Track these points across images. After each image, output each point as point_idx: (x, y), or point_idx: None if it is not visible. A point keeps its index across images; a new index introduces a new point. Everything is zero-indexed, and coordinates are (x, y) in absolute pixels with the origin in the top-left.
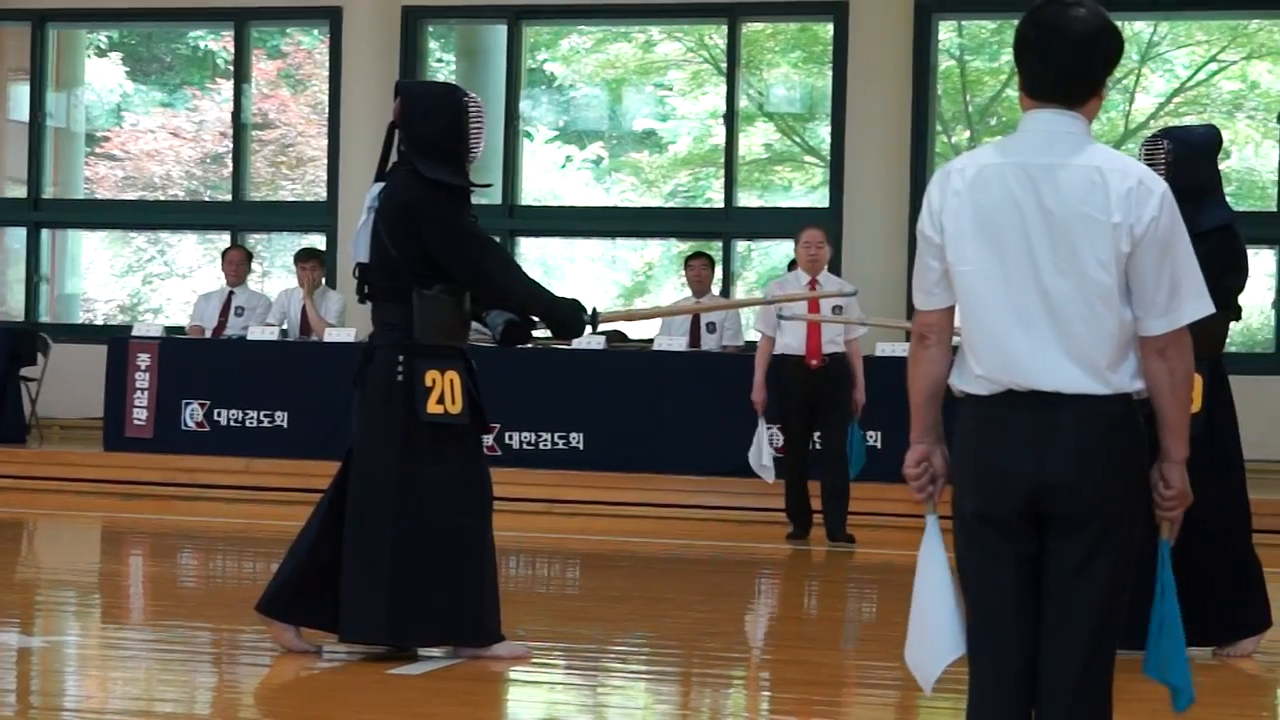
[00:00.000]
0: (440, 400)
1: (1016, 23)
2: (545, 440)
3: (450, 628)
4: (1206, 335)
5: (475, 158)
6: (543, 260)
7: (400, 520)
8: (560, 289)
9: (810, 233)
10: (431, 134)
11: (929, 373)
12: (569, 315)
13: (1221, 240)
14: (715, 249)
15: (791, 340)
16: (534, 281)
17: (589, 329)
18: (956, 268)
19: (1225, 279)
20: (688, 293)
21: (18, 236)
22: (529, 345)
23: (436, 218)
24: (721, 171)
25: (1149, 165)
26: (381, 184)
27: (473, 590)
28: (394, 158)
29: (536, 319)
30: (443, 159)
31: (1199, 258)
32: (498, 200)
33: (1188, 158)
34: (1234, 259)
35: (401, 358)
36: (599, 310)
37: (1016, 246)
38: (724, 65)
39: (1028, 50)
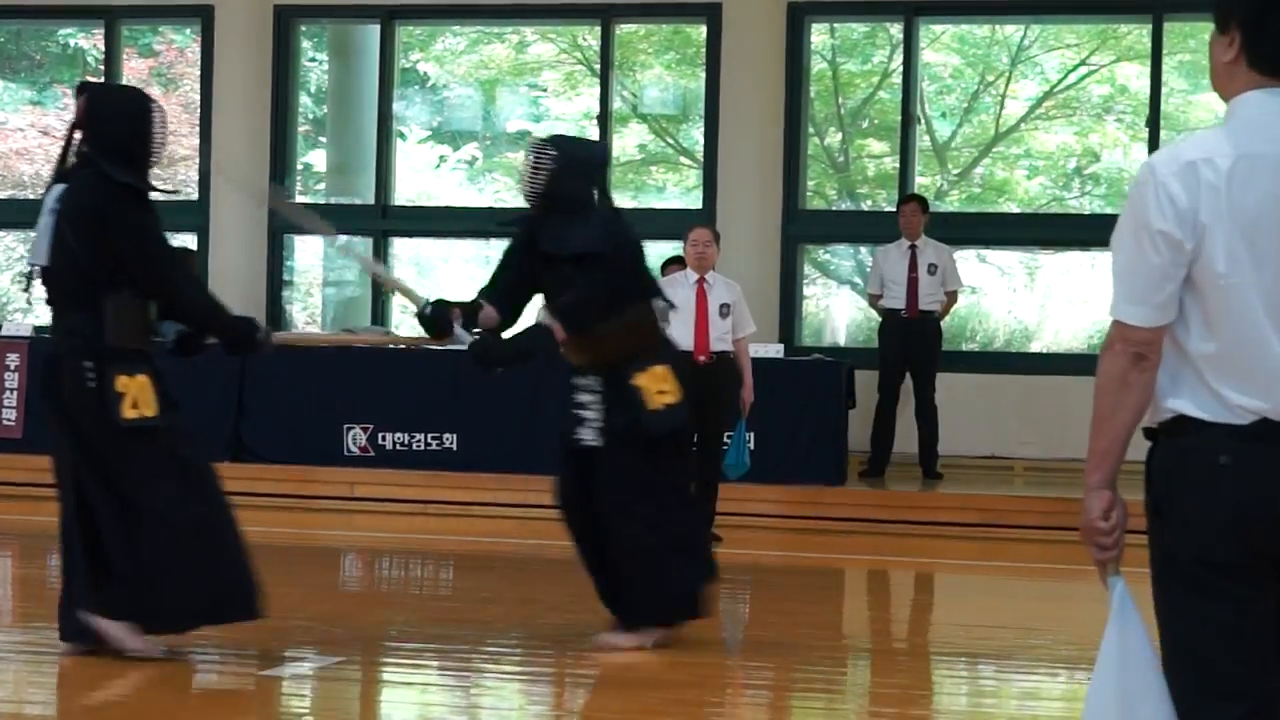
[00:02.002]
0: (135, 405)
1: (889, 26)
2: (419, 440)
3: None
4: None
5: (157, 163)
6: (416, 260)
7: (146, 517)
8: (432, 290)
9: (698, 231)
10: (117, 137)
11: (1140, 401)
12: (243, 334)
13: (594, 266)
14: None
15: (680, 336)
16: (214, 297)
17: (261, 348)
18: (1217, 276)
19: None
20: None
21: None
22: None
23: (129, 224)
24: None
25: (532, 172)
26: (61, 185)
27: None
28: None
29: (210, 332)
30: (128, 163)
31: (564, 277)
32: (370, 200)
33: (569, 171)
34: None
35: (90, 364)
36: (271, 331)
37: (1276, 251)
38: (597, 66)
39: (1272, 13)
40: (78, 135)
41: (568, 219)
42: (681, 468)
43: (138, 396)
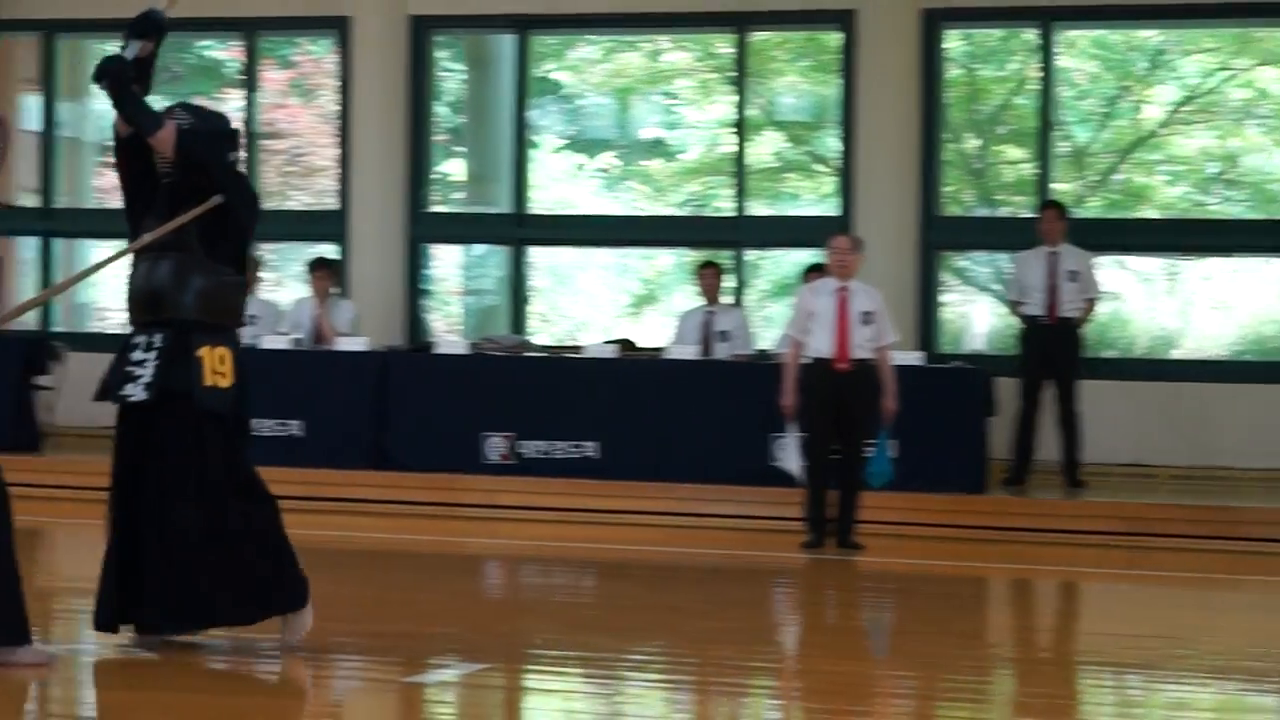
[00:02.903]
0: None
1: (1024, 32)
2: (559, 449)
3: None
4: None
5: None
6: (553, 269)
7: None
8: (571, 299)
9: (840, 239)
10: None
11: None
12: None
13: None
14: (726, 258)
15: (821, 344)
16: None
17: None
18: None
19: None
20: (701, 301)
21: (30, 246)
22: None
23: None
24: (731, 180)
25: None
26: None
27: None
28: None
29: None
30: None
31: None
32: (508, 209)
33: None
34: None
35: None
36: None
37: None
38: (732, 74)
39: None
40: None
41: None
42: None
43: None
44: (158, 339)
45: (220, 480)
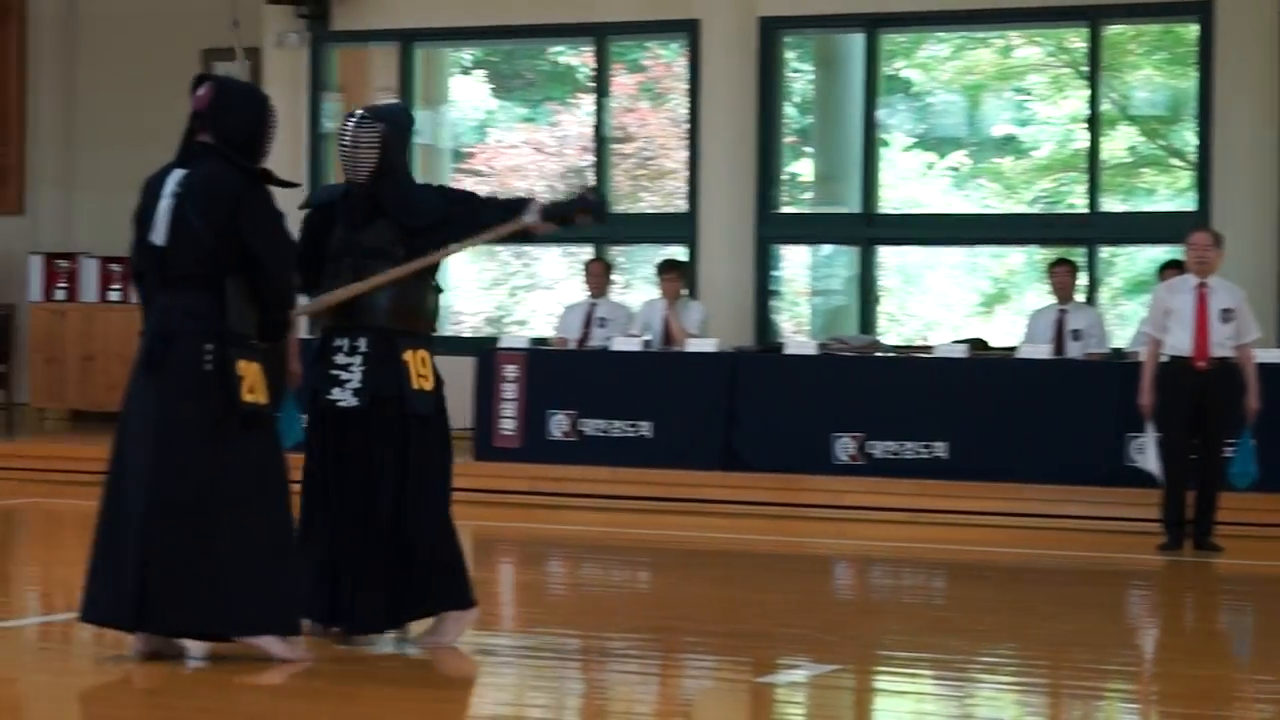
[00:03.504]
0: (252, 390)
1: None
2: (908, 450)
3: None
4: None
5: (261, 163)
6: (902, 269)
7: (224, 511)
8: (921, 298)
9: (1199, 235)
10: (240, 129)
11: None
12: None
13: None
14: (1079, 255)
15: (1179, 342)
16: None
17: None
18: None
19: None
20: (1053, 300)
21: None
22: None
23: (260, 212)
24: (1084, 176)
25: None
26: (182, 170)
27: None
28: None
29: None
30: (247, 155)
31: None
32: (857, 209)
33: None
34: None
35: (210, 346)
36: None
37: None
38: (1084, 69)
39: None
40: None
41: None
42: None
43: (254, 382)
44: (361, 343)
45: (426, 482)
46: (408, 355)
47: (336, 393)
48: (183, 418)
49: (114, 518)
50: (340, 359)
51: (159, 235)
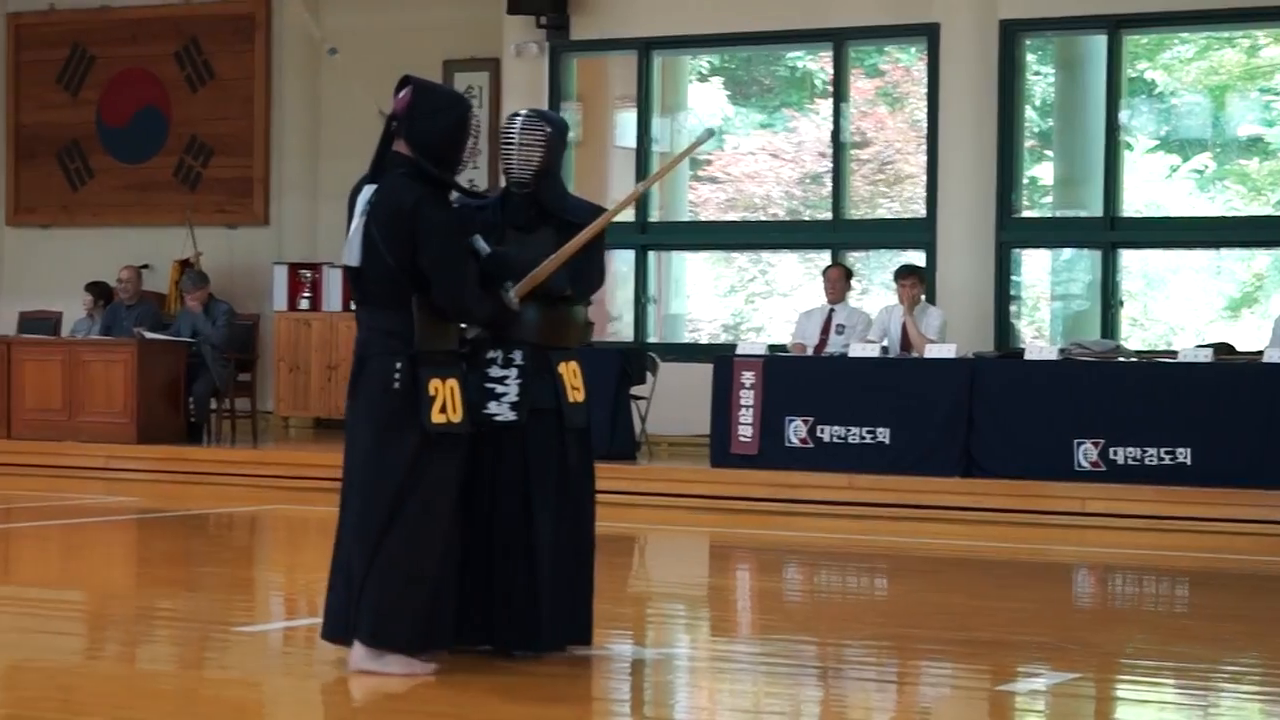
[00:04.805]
0: (443, 409)
1: None
2: (1151, 456)
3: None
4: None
5: (459, 172)
6: (1145, 273)
7: (396, 526)
8: (1164, 302)
9: None
10: (436, 135)
11: None
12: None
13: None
14: None
15: None
16: (491, 298)
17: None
18: None
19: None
20: None
21: (626, 259)
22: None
23: (431, 227)
24: None
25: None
26: (372, 186)
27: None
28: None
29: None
30: (438, 163)
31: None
32: (1099, 212)
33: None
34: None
35: (399, 365)
36: (510, 294)
37: None
38: None
39: None
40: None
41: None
42: None
43: (448, 401)
44: (516, 355)
45: (581, 495)
46: (561, 367)
47: (493, 406)
48: (372, 439)
49: (338, 534)
50: (495, 371)
51: (352, 256)
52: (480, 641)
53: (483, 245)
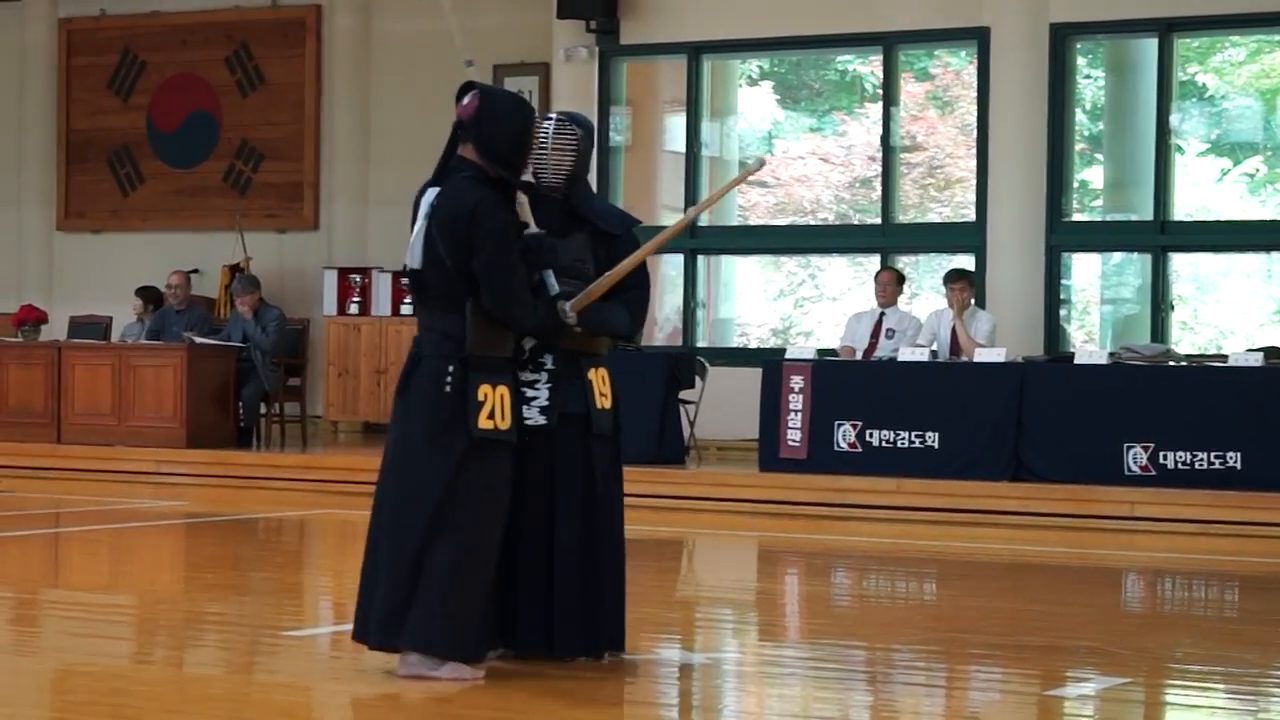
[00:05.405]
0: (491, 415)
1: None
2: (1201, 460)
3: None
4: None
5: (522, 174)
6: (1195, 277)
7: (446, 532)
8: (1215, 306)
9: None
10: (501, 139)
11: None
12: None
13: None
14: None
15: None
16: (538, 310)
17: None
18: None
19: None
20: None
21: (675, 264)
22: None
23: (485, 231)
24: None
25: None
26: (436, 189)
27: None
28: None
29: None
30: (506, 167)
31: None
32: (1149, 216)
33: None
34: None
35: (451, 369)
36: (565, 306)
37: None
38: None
39: None
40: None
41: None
42: None
43: (496, 407)
44: (547, 360)
45: (608, 501)
46: (591, 374)
47: (523, 411)
48: (419, 439)
49: (370, 534)
50: (526, 375)
51: (414, 259)
52: (500, 645)
53: (552, 283)
